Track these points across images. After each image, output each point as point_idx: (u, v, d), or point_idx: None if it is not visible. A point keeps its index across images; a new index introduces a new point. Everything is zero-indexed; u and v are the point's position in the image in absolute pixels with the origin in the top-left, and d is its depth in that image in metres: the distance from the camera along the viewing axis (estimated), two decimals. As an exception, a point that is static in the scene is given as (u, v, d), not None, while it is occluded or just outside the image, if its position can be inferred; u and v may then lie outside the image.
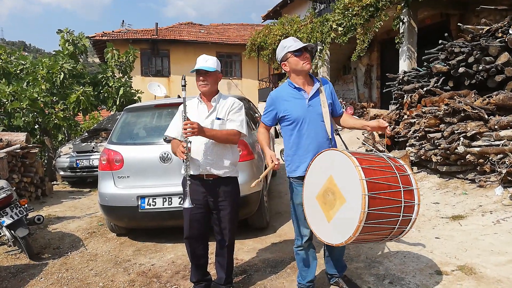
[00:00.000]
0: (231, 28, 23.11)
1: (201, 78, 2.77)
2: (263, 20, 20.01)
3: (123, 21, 23.13)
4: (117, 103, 8.48)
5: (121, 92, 8.34)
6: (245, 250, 3.89)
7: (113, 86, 8.40)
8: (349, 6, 8.32)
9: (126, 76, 9.50)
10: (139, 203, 3.95)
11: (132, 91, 9.23)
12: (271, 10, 18.32)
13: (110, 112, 9.86)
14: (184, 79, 2.56)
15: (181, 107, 2.81)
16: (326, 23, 9.60)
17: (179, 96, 4.62)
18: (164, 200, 3.94)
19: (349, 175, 2.25)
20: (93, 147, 7.52)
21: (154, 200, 3.95)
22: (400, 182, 2.31)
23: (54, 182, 8.13)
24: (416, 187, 2.35)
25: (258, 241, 4.12)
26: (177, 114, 2.91)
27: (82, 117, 9.12)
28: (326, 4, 11.88)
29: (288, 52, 2.62)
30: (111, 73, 8.68)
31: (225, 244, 2.86)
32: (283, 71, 13.17)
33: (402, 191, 2.29)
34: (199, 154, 2.77)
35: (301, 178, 2.65)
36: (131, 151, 4.14)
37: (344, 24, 8.87)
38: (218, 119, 2.81)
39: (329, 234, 2.41)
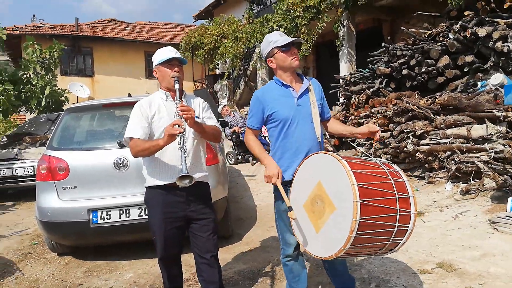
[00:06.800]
0: (159, 27, 22.22)
1: (176, 69, 2.41)
2: (194, 20, 19.52)
3: (34, 15, 21.00)
4: (43, 103, 7.53)
5: (47, 91, 7.41)
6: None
7: (37, 84, 7.44)
8: (292, 7, 8.33)
9: (50, 74, 8.51)
10: (91, 217, 3.44)
11: (59, 90, 8.29)
12: (203, 10, 17.91)
13: (28, 114, 8.77)
14: (178, 72, 2.41)
15: (137, 105, 2.46)
16: (266, 24, 9.56)
17: (129, 95, 4.16)
18: (121, 212, 3.48)
19: (339, 180, 2.05)
20: (16, 154, 6.55)
21: (109, 213, 3.47)
22: (395, 188, 2.12)
23: (-34, 196, 6.96)
24: (412, 194, 2.16)
25: (225, 251, 3.83)
26: (136, 112, 2.49)
27: (0, 120, 7.96)
28: (263, 5, 11.87)
29: (275, 47, 2.40)
30: (33, 70, 7.69)
31: (214, 255, 2.54)
32: (219, 72, 12.90)
33: (397, 198, 2.10)
34: (175, 159, 2.41)
35: (287, 183, 2.43)
36: (78, 158, 3.61)
37: (285, 25, 8.89)
38: (196, 117, 2.48)
39: (318, 246, 2.18)
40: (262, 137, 7.10)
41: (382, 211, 2.04)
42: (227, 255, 3.73)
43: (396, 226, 2.08)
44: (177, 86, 2.34)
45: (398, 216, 2.08)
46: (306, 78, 2.56)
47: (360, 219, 1.93)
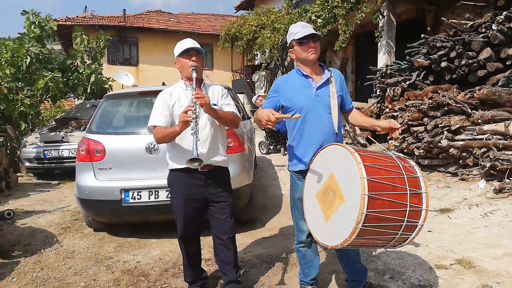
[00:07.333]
0: (201, 18, 22.61)
1: (193, 58, 2.54)
2: (235, 11, 19.66)
3: (85, 6, 21.94)
4: (88, 90, 8.02)
5: (92, 79, 7.88)
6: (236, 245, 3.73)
7: (83, 72, 7.92)
8: (330, -3, 8.25)
9: (96, 63, 9.00)
10: (123, 196, 3.70)
11: (104, 78, 8.76)
12: (244, 0, 18.00)
13: (76, 100, 9.33)
14: (195, 61, 2.54)
15: (160, 95, 2.63)
16: (305, 14, 9.50)
17: (163, 84, 4.36)
18: (150, 193, 3.71)
19: (350, 172, 2.09)
20: (63, 137, 7.06)
21: (139, 194, 3.71)
22: (407, 184, 2.13)
23: (19, 174, 7.60)
24: (425, 190, 2.16)
25: (248, 236, 3.97)
26: (158, 102, 2.65)
27: (51, 105, 8.55)
28: (303, -4, 11.77)
29: (293, 40, 2.46)
30: (80, 59, 8.18)
31: (230, 237, 2.69)
32: (258, 63, 12.93)
33: (408, 194, 2.10)
34: (192, 144, 2.52)
35: (302, 172, 2.51)
36: (114, 141, 3.87)
37: (324, 16, 8.79)
38: (214, 104, 2.61)
39: (326, 235, 2.25)
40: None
41: (391, 205, 2.07)
42: (249, 239, 3.86)
43: (405, 221, 2.10)
44: (194, 75, 2.47)
45: (407, 211, 2.10)
46: (327, 69, 2.60)
47: (367, 211, 1.98)
